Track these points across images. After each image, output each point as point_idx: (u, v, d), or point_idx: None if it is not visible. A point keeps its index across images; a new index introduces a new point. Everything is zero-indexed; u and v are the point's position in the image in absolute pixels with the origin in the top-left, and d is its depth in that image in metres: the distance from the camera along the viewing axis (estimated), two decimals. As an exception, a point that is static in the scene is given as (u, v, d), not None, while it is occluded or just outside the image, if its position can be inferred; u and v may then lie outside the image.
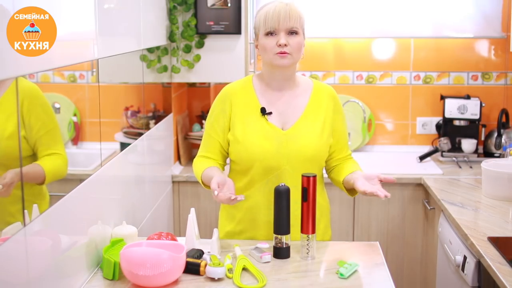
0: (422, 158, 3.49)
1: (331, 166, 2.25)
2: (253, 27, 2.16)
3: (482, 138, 3.54)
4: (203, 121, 3.53)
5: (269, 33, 2.06)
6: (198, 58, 3.22)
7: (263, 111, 2.13)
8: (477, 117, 3.46)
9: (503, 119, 3.43)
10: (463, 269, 2.31)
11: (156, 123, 2.95)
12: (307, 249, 2.02)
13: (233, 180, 2.20)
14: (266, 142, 2.11)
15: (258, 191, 2.14)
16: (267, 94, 2.16)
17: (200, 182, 2.19)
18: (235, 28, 3.17)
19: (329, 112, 2.16)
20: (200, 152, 2.24)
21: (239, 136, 2.12)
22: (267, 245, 2.05)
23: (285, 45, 2.04)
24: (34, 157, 1.68)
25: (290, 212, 2.01)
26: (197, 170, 2.20)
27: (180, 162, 3.45)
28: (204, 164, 2.18)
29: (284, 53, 2.04)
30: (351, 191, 2.16)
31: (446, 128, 3.55)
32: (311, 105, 2.16)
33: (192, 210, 2.12)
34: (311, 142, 2.12)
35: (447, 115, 3.51)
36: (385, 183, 3.17)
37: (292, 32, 2.05)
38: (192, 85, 3.67)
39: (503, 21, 3.56)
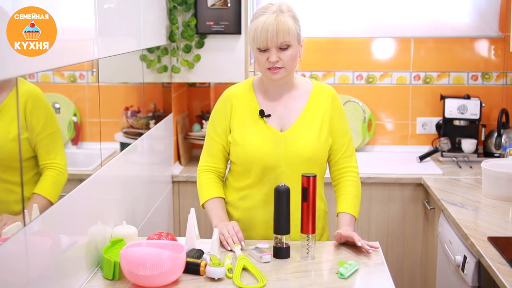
0: (422, 158, 3.49)
1: (334, 175, 2.24)
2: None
3: (482, 138, 3.54)
4: (203, 121, 3.53)
5: (260, 49, 2.04)
6: (198, 58, 3.22)
7: (261, 113, 2.13)
8: (477, 117, 3.46)
9: (503, 119, 3.43)
10: (463, 269, 2.31)
11: (156, 123, 2.95)
12: (307, 249, 2.02)
13: (232, 180, 2.22)
14: (263, 144, 2.11)
15: (257, 192, 2.15)
16: (267, 98, 2.17)
17: (201, 204, 2.24)
18: (235, 28, 3.17)
19: (328, 112, 2.16)
20: (204, 160, 2.25)
21: (238, 138, 2.13)
22: (267, 245, 2.05)
23: (277, 61, 2.02)
24: (35, 159, 1.69)
25: (290, 212, 2.01)
26: (203, 192, 2.23)
27: (180, 162, 3.45)
28: (210, 189, 2.21)
29: (276, 68, 2.04)
30: None
31: (446, 128, 3.55)
32: (309, 106, 2.16)
33: (192, 210, 2.13)
34: (308, 143, 2.11)
35: (447, 115, 3.51)
36: (385, 183, 3.19)
37: (283, 48, 2.02)
38: (192, 85, 3.67)
39: (501, 21, 3.56)
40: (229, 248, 2.06)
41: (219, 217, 2.16)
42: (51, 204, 1.70)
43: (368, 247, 2.04)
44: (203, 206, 2.23)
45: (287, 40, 2.02)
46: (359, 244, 2.03)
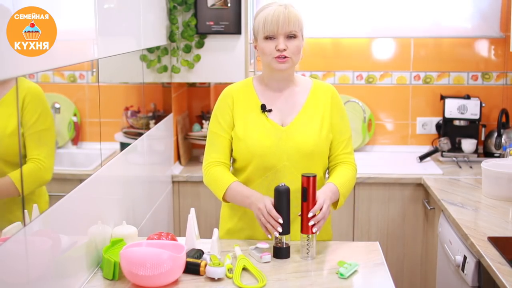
0: (422, 158, 3.49)
1: (331, 165, 2.23)
2: (252, 29, 2.17)
3: (482, 138, 3.54)
4: (203, 121, 3.53)
5: (268, 37, 2.06)
6: (198, 58, 3.22)
7: (263, 108, 2.14)
8: (477, 117, 3.46)
9: (503, 119, 3.43)
10: (463, 269, 2.31)
11: (156, 123, 2.95)
12: (307, 249, 2.02)
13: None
14: (265, 138, 2.11)
15: (258, 188, 2.14)
16: (267, 94, 2.17)
17: (220, 196, 2.13)
18: (235, 28, 3.17)
19: (327, 108, 2.16)
20: (209, 157, 2.18)
21: (240, 133, 2.13)
22: (267, 245, 2.05)
23: (284, 49, 2.05)
24: None
25: (290, 212, 2.01)
26: (219, 183, 2.12)
27: (180, 162, 3.45)
28: (226, 178, 2.12)
29: (283, 57, 2.05)
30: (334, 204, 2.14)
31: (446, 128, 3.55)
32: (309, 102, 2.17)
33: (192, 210, 2.13)
34: (309, 137, 2.12)
35: (447, 115, 3.51)
36: (385, 183, 3.19)
37: (291, 36, 2.06)
38: (192, 85, 3.67)
39: (502, 21, 3.56)
40: (270, 236, 2.01)
41: (249, 196, 2.07)
42: (18, 194, 1.57)
43: (313, 224, 1.97)
44: (223, 198, 2.13)
45: (296, 29, 2.06)
46: (309, 215, 1.97)
